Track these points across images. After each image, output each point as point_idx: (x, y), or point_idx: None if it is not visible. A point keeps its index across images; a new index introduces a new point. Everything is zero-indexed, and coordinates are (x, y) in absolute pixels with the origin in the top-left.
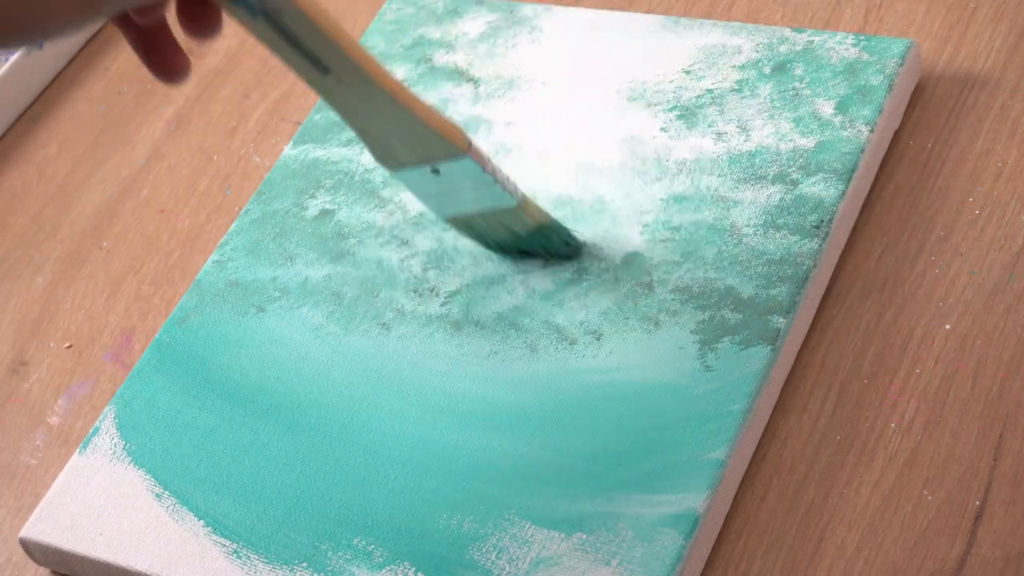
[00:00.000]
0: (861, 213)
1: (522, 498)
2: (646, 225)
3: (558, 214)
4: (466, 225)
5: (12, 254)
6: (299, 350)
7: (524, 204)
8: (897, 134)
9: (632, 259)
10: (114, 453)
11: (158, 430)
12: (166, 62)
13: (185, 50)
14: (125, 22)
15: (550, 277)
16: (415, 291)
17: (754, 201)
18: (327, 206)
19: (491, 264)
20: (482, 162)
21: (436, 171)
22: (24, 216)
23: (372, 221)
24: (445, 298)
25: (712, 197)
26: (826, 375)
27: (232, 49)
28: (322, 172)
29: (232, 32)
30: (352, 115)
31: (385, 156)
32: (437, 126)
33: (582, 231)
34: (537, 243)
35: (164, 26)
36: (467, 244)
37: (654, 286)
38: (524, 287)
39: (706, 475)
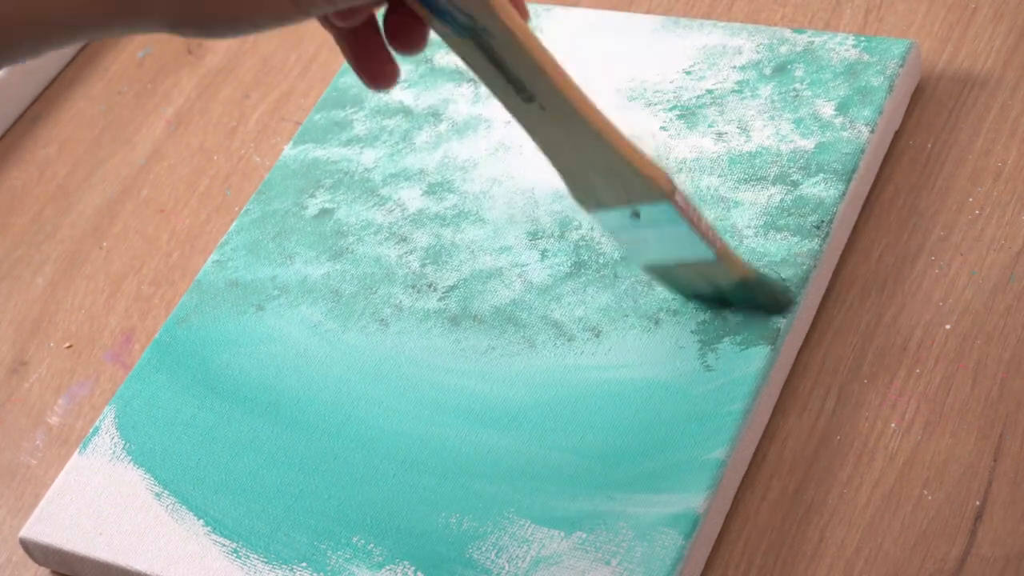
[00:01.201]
0: (861, 213)
1: (521, 496)
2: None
3: (556, 207)
4: (663, 273)
5: (12, 254)
6: (298, 348)
7: (725, 257)
8: (897, 134)
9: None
10: (114, 453)
11: (158, 430)
12: (372, 67)
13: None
14: (331, 25)
15: (547, 271)
16: (413, 287)
17: (754, 202)
18: (326, 205)
19: (488, 257)
20: (685, 210)
21: (636, 214)
22: (24, 216)
23: (371, 219)
24: (443, 293)
25: (712, 197)
26: (826, 375)
27: (232, 49)
28: (322, 172)
29: None
30: (553, 147)
31: (584, 194)
32: (642, 167)
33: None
34: (740, 298)
35: (373, 31)
36: (465, 239)
37: (653, 284)
38: (521, 280)
39: (706, 475)
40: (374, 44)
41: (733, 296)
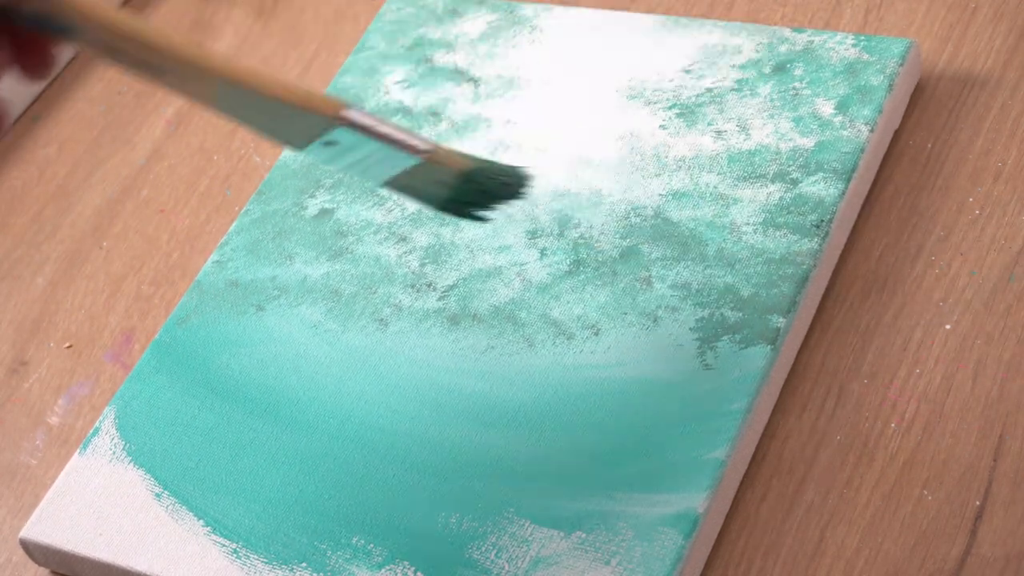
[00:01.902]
0: (861, 213)
1: (521, 496)
2: (644, 220)
3: (555, 206)
4: (400, 188)
5: (12, 254)
6: (298, 348)
7: (436, 157)
8: (897, 134)
9: (630, 253)
10: (114, 453)
11: (158, 430)
12: (27, 60)
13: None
14: None
15: (546, 270)
16: (412, 286)
17: (754, 199)
18: (326, 205)
19: (487, 256)
20: (365, 126)
21: (330, 143)
22: (24, 216)
23: (371, 219)
24: (442, 292)
25: (711, 194)
26: (826, 375)
27: (232, 49)
28: (322, 172)
29: (232, 31)
30: (213, 106)
31: (280, 139)
32: (299, 101)
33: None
34: (473, 193)
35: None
36: (464, 238)
37: (653, 282)
38: (520, 279)
39: (706, 475)
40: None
41: (466, 193)
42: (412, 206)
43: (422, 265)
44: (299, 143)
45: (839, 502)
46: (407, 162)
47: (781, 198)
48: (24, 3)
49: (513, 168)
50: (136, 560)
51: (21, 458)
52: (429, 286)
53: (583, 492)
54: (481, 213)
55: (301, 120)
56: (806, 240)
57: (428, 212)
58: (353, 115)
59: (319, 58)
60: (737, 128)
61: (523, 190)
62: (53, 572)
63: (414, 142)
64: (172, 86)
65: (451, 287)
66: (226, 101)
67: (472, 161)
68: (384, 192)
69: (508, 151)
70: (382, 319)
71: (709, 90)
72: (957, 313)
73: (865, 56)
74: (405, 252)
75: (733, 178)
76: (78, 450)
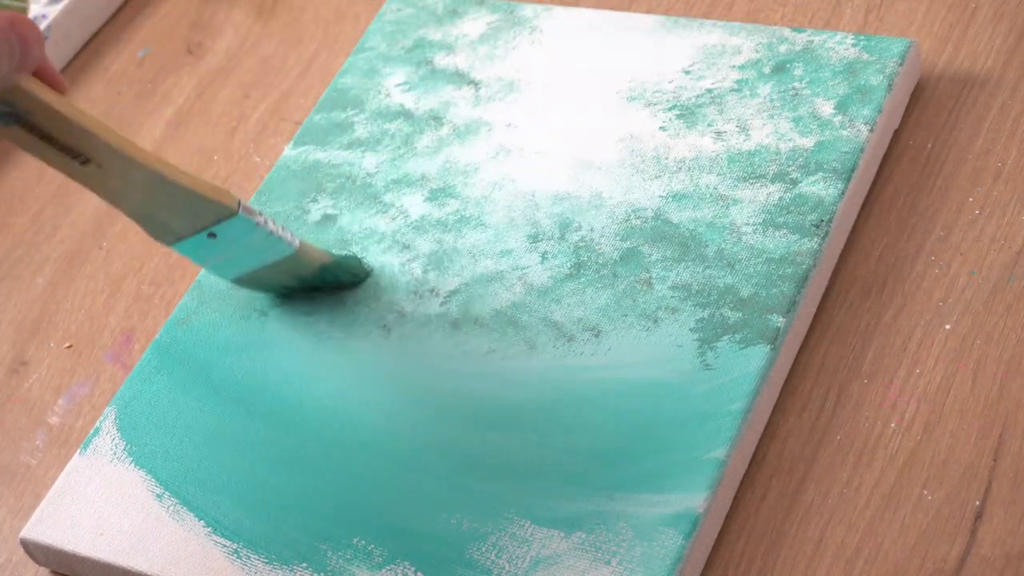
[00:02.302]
0: (861, 213)
1: (521, 497)
2: (644, 221)
3: (556, 210)
4: (252, 281)
5: (12, 254)
6: (301, 353)
7: (303, 249)
8: (897, 134)
9: (630, 255)
10: (114, 454)
11: (159, 431)
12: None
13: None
14: None
15: (548, 273)
16: (415, 292)
17: (753, 200)
18: (329, 211)
19: (489, 261)
20: (255, 216)
21: (212, 235)
22: (24, 216)
23: (374, 227)
24: (444, 298)
25: (711, 195)
26: (826, 375)
27: (232, 49)
28: (323, 175)
29: (232, 31)
30: (121, 199)
31: (160, 233)
32: (204, 191)
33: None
34: (324, 280)
35: None
36: (466, 243)
37: (653, 283)
38: (522, 283)
39: (706, 475)
40: None
41: (318, 280)
42: (415, 213)
43: (425, 272)
44: (184, 231)
45: (839, 502)
46: (285, 251)
47: (781, 198)
48: None
49: (358, 260)
50: (136, 560)
51: (21, 458)
52: (432, 292)
53: (583, 492)
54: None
55: (200, 207)
56: (806, 240)
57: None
58: (245, 208)
59: (319, 58)
60: (737, 129)
61: (361, 280)
62: (53, 572)
63: (289, 236)
64: (84, 176)
65: (453, 292)
66: (135, 191)
67: (328, 255)
68: (241, 279)
69: (509, 156)
70: (385, 325)
71: (709, 91)
72: (957, 313)
73: (865, 56)
74: (408, 260)
75: (733, 179)
76: (78, 450)
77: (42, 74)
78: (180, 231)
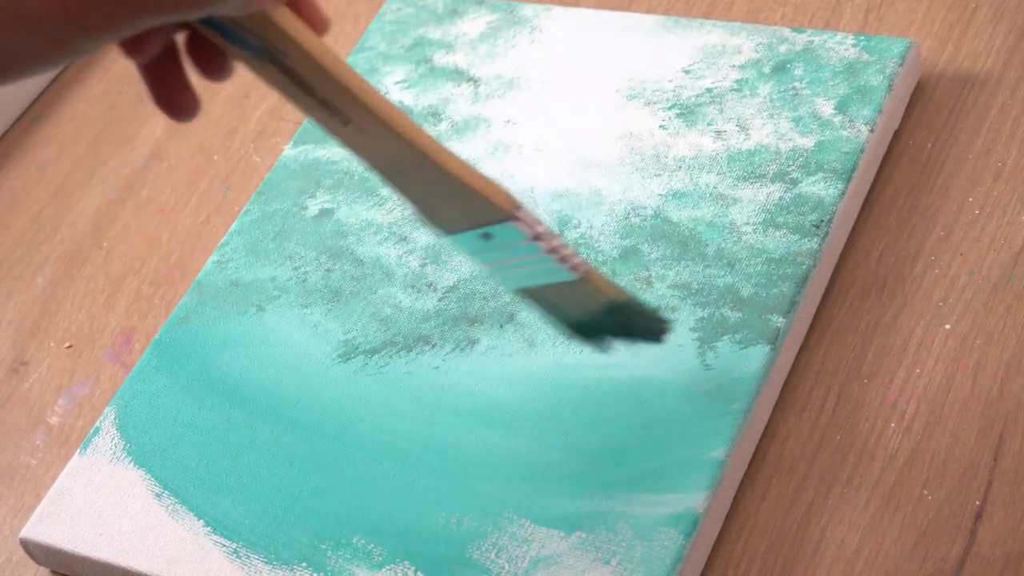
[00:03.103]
0: (861, 213)
1: (521, 496)
2: (644, 220)
3: (555, 207)
4: (537, 298)
5: (12, 254)
6: (298, 348)
7: (590, 278)
8: (897, 134)
9: (629, 253)
10: (114, 453)
11: (158, 430)
12: (170, 98)
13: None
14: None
15: None
16: (413, 287)
17: (753, 199)
18: (326, 205)
19: None
20: (533, 228)
21: (487, 236)
22: (24, 216)
23: (371, 219)
24: (443, 293)
25: (711, 194)
26: (826, 375)
27: None
28: (322, 172)
29: None
30: (387, 171)
31: (432, 218)
32: (477, 187)
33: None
34: (613, 324)
35: (172, 63)
36: None
37: (652, 281)
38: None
39: (706, 474)
40: (173, 76)
41: (605, 322)
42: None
43: (422, 265)
44: (456, 227)
45: (839, 502)
46: (562, 277)
47: (781, 198)
48: (233, 18)
49: (656, 312)
50: (136, 560)
51: (21, 458)
52: (429, 286)
53: (583, 492)
54: (607, 343)
55: (473, 205)
56: (806, 240)
57: (550, 327)
58: (525, 215)
59: None
60: (737, 128)
61: (661, 336)
62: (53, 572)
63: (575, 260)
64: (346, 137)
65: (452, 287)
66: (398, 167)
67: (623, 293)
68: (523, 292)
69: (508, 152)
70: (383, 319)
71: (709, 90)
72: (957, 313)
73: (865, 56)
74: (405, 252)
75: (733, 178)
76: (78, 450)
77: (301, 6)
78: (452, 224)
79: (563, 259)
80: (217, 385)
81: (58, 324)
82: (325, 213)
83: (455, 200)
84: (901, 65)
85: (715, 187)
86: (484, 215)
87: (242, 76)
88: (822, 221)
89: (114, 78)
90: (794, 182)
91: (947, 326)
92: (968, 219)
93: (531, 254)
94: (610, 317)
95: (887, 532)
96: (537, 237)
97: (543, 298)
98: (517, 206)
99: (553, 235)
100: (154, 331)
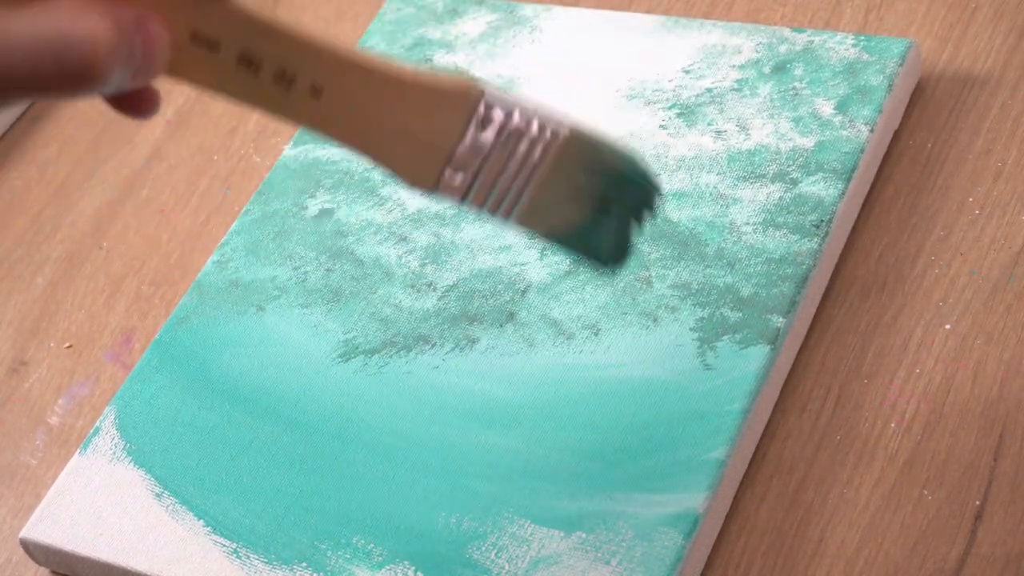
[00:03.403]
0: (861, 213)
1: (521, 496)
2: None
3: None
4: (537, 215)
5: (12, 254)
6: (298, 348)
7: (579, 135)
8: (897, 134)
9: None
10: (114, 453)
11: (158, 430)
12: (127, 101)
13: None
14: None
15: (546, 269)
16: (412, 286)
17: (753, 199)
18: (326, 205)
19: (487, 256)
20: (503, 103)
21: (456, 170)
22: (24, 216)
23: (371, 219)
24: (442, 292)
25: (711, 194)
26: (826, 375)
27: None
28: (322, 172)
29: None
30: (348, 131)
31: (411, 171)
32: (440, 84)
33: None
34: (621, 189)
35: None
36: (464, 238)
37: (653, 281)
38: (520, 279)
39: (706, 475)
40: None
41: (621, 177)
42: (412, 206)
43: (422, 265)
44: (430, 169)
45: (839, 502)
46: (552, 145)
47: (781, 198)
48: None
49: (644, 171)
50: (136, 560)
51: (21, 458)
52: (429, 286)
53: (583, 492)
54: (619, 243)
55: (447, 109)
56: (806, 240)
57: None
58: (493, 98)
59: None
60: (737, 128)
61: (653, 204)
62: (53, 572)
63: (558, 118)
64: (306, 110)
65: (451, 287)
66: (367, 113)
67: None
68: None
69: None
70: (383, 319)
71: (709, 90)
72: (957, 313)
73: (865, 56)
74: (405, 252)
75: (733, 178)
76: (78, 450)
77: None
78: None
79: (545, 123)
80: (217, 385)
81: (58, 324)
82: (325, 213)
83: (423, 117)
84: (901, 65)
85: (715, 187)
86: (457, 112)
87: None
88: (822, 221)
89: None
90: (794, 182)
91: (947, 326)
92: (968, 219)
93: (512, 138)
94: (618, 180)
95: (887, 532)
96: (513, 110)
97: (545, 210)
98: (481, 86)
99: (523, 102)
100: (154, 331)
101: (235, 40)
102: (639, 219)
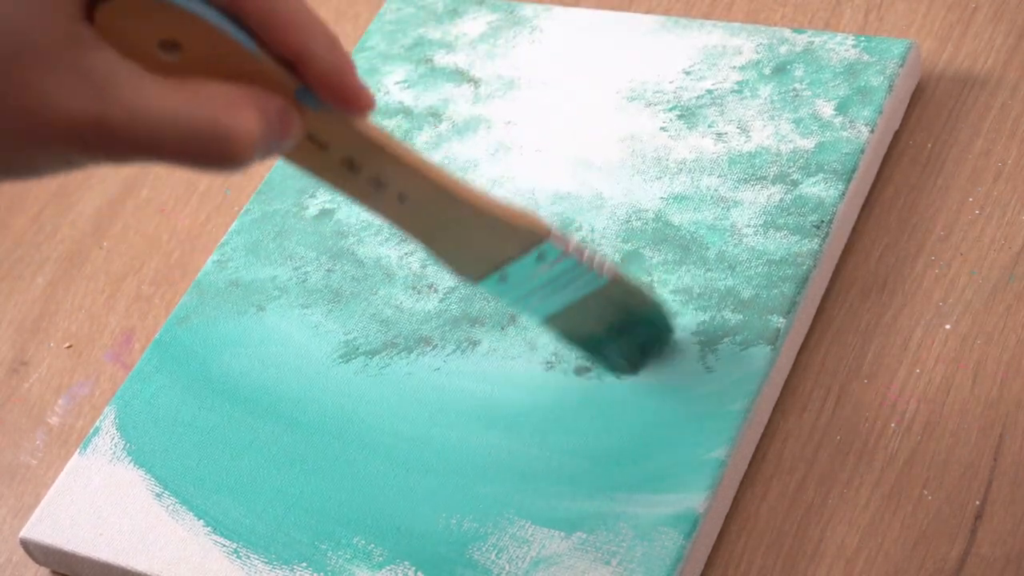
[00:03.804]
0: (861, 213)
1: (522, 497)
2: (646, 223)
3: (556, 209)
4: (565, 324)
5: (12, 254)
6: (298, 348)
7: (619, 280)
8: (897, 134)
9: (632, 258)
10: (114, 453)
11: (158, 430)
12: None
13: None
14: None
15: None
16: (413, 288)
17: (754, 201)
18: (327, 205)
19: None
20: (562, 244)
21: (503, 278)
22: (24, 216)
23: (371, 219)
24: (443, 294)
25: (712, 197)
26: (826, 375)
27: None
28: None
29: None
30: (423, 232)
31: (459, 268)
32: (512, 217)
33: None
34: (645, 331)
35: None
36: None
37: (654, 286)
38: None
39: (706, 475)
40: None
41: (634, 330)
42: None
43: (423, 267)
44: (481, 273)
45: (839, 502)
46: (594, 285)
47: (781, 199)
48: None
49: (664, 314)
50: (136, 560)
51: (21, 458)
52: (430, 288)
53: (583, 492)
54: (629, 360)
55: (508, 237)
56: (806, 241)
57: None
58: (557, 234)
59: None
60: (737, 130)
61: (667, 339)
62: (53, 572)
63: (604, 263)
64: (374, 200)
65: (452, 288)
66: (429, 219)
67: (648, 290)
68: (514, 307)
69: (509, 153)
70: (383, 320)
71: (709, 91)
72: (957, 313)
73: (865, 57)
74: (406, 254)
75: (734, 180)
76: (78, 450)
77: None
78: (477, 270)
79: (593, 265)
80: (217, 385)
81: (58, 324)
82: (325, 213)
83: (488, 237)
84: (901, 66)
85: (716, 190)
86: (520, 244)
87: None
88: (822, 222)
89: None
90: (795, 183)
91: (947, 326)
92: (968, 219)
93: (567, 269)
94: (650, 311)
95: (887, 532)
96: (570, 251)
97: (572, 321)
98: (549, 228)
99: (583, 247)
100: (154, 331)
101: (342, 147)
102: (646, 351)
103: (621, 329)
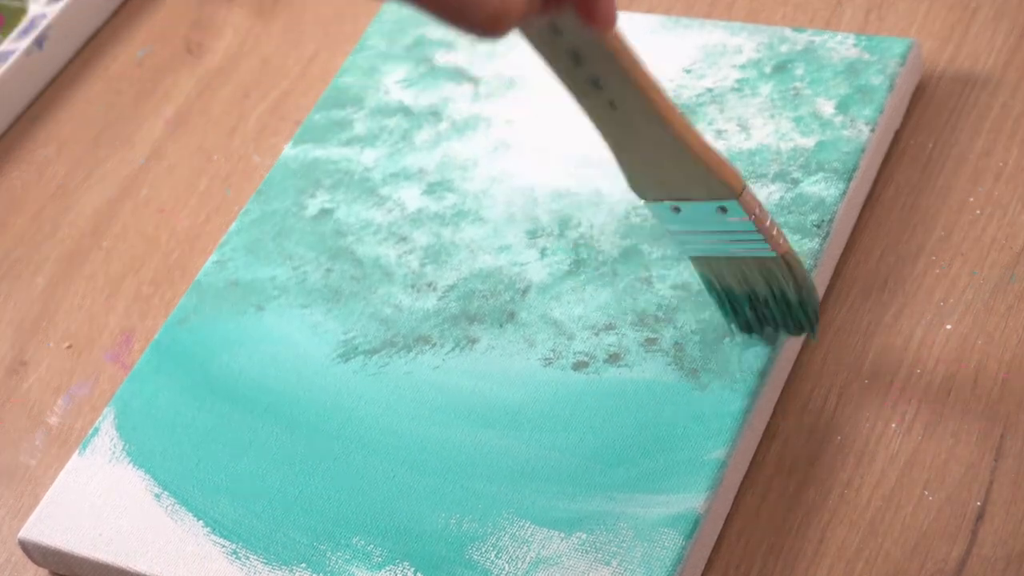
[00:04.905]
0: (861, 213)
1: (521, 497)
2: (645, 219)
3: (555, 206)
4: (710, 268)
5: (12, 254)
6: (298, 348)
7: (789, 258)
8: (898, 134)
9: (630, 253)
10: (113, 454)
11: (157, 430)
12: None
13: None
14: None
15: (547, 270)
16: (412, 286)
17: None
18: (326, 205)
19: (488, 256)
20: (749, 208)
21: (677, 208)
22: (24, 216)
23: (371, 219)
24: (442, 292)
25: None
26: (826, 375)
27: (232, 49)
28: (321, 171)
29: (232, 31)
30: (621, 140)
31: (641, 186)
32: (714, 165)
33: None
34: (782, 305)
35: None
36: (464, 238)
37: (653, 282)
38: (521, 280)
39: (706, 475)
40: None
41: (790, 303)
42: (411, 206)
43: (422, 265)
44: (657, 196)
45: (839, 502)
46: (761, 253)
47: (782, 198)
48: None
49: (812, 311)
50: (135, 561)
51: (21, 458)
52: (429, 286)
53: (583, 493)
54: (749, 323)
55: (705, 181)
56: (807, 240)
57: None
58: (748, 196)
59: (319, 58)
60: (738, 128)
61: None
62: (52, 572)
63: (781, 240)
64: (593, 106)
65: (451, 287)
66: (640, 138)
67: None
68: (669, 235)
69: (509, 151)
70: (383, 319)
71: (709, 90)
72: (958, 313)
73: (866, 56)
74: (405, 252)
75: None
76: (77, 450)
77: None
78: (653, 192)
79: (770, 236)
80: (217, 385)
81: (58, 324)
82: (325, 213)
83: (680, 171)
84: (902, 65)
85: None
86: (708, 191)
87: (243, 76)
88: (823, 221)
89: (113, 78)
90: (795, 182)
91: (948, 326)
92: (969, 219)
93: (739, 228)
94: (787, 302)
95: (888, 533)
96: (755, 217)
97: (720, 271)
98: (742, 187)
99: (766, 214)
100: (154, 331)
101: (574, 39)
102: (767, 327)
103: (764, 299)
